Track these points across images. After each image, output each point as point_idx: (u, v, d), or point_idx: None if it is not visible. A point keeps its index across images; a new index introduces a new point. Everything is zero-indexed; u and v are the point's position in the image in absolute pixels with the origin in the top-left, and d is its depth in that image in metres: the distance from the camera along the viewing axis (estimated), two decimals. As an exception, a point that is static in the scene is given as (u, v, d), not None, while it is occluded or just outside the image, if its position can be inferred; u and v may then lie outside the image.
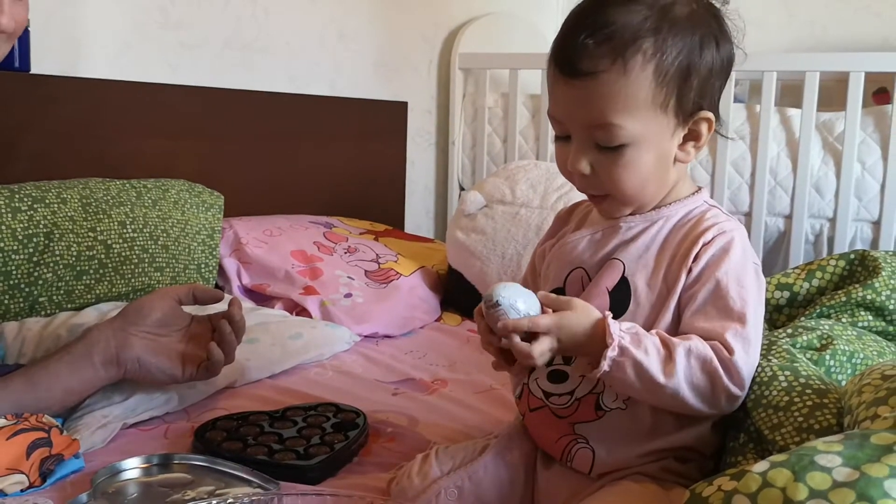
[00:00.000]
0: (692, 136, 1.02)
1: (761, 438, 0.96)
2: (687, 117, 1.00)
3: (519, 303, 0.95)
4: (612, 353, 0.94)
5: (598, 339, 0.95)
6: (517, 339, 0.94)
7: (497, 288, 0.95)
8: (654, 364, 0.94)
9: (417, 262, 2.30)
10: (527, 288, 0.98)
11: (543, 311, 0.96)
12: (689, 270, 1.00)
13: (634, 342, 0.95)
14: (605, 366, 0.94)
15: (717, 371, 0.95)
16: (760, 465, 0.62)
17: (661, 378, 0.94)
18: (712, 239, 1.00)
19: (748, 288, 0.99)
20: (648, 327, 0.99)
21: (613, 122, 0.96)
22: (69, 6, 2.06)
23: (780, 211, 2.62)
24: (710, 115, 1.01)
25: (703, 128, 1.01)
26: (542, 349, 0.94)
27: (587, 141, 0.99)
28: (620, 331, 0.95)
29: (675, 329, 1.01)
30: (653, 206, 1.05)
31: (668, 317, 1.01)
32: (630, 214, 1.06)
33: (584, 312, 0.96)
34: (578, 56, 0.96)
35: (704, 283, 0.99)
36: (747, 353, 0.96)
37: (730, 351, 0.95)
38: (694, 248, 1.00)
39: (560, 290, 1.08)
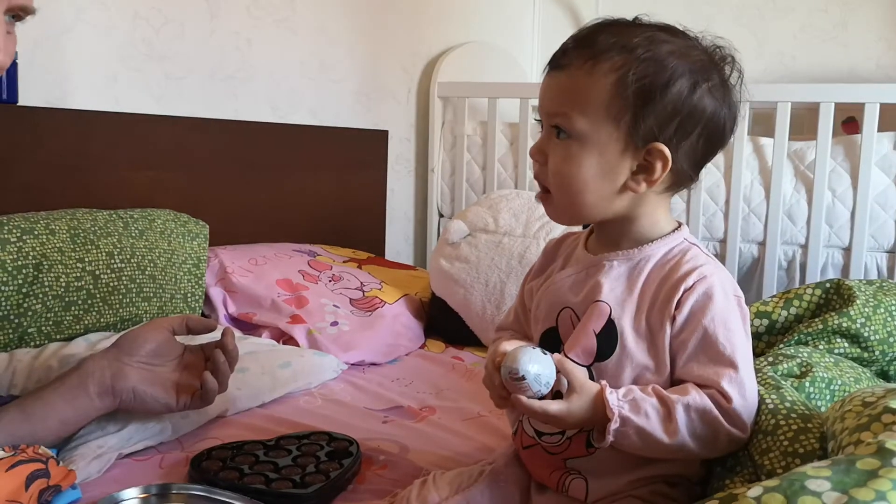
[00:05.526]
0: (644, 169, 1.03)
1: (751, 462, 1.00)
2: (640, 144, 1.01)
3: (542, 375, 0.98)
4: (614, 425, 0.98)
5: (598, 409, 0.99)
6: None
7: (520, 360, 0.98)
8: (655, 427, 0.98)
9: (401, 289, 2.32)
10: (519, 324, 1.02)
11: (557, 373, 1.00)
12: (674, 318, 1.02)
13: (634, 409, 0.98)
14: (609, 439, 0.98)
15: (717, 419, 0.98)
16: (754, 491, 0.65)
17: (665, 438, 0.98)
18: (693, 285, 1.02)
19: (734, 330, 1.02)
20: (637, 368, 1.03)
21: (568, 111, 1.02)
22: (56, 38, 2.08)
23: (753, 237, 2.68)
24: (665, 150, 1.00)
25: (657, 164, 1.01)
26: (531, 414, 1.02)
27: (550, 130, 1.05)
28: (619, 400, 0.98)
29: (666, 372, 1.03)
30: (592, 221, 1.10)
31: (657, 359, 1.03)
32: (612, 251, 1.09)
33: (587, 392, 1.00)
34: (561, 53, 1.05)
35: (693, 332, 1.01)
36: (744, 397, 1.00)
37: (727, 399, 0.98)
38: (675, 295, 1.02)
39: (553, 330, 1.11)
